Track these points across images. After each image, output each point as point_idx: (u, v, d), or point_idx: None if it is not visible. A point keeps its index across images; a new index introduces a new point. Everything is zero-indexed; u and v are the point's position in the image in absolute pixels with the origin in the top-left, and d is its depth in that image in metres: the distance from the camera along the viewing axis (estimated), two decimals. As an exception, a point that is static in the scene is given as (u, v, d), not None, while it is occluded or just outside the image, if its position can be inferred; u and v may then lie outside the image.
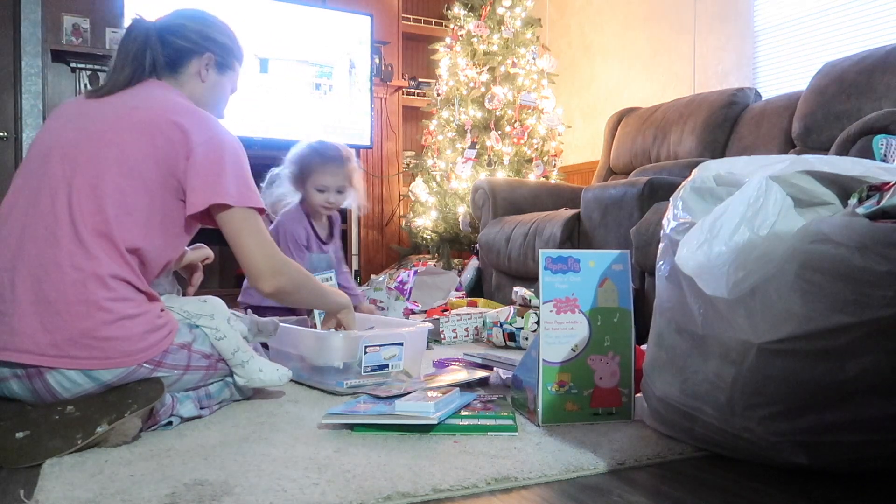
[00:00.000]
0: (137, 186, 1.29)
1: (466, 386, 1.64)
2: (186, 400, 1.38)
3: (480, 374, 1.72)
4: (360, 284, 4.33)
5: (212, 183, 1.33)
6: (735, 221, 1.09)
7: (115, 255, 1.26)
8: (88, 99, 1.40)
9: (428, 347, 2.12)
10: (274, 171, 2.30)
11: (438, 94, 4.56)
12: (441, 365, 1.89)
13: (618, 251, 1.41)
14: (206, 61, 1.48)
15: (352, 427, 1.31)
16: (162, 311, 1.34)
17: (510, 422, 1.31)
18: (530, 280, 3.02)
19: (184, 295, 1.62)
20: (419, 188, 4.51)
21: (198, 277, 1.71)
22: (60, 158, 1.29)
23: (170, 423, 1.33)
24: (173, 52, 1.45)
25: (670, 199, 1.30)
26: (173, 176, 1.33)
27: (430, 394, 1.36)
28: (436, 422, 1.26)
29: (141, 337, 1.26)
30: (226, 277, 4.33)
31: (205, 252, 1.73)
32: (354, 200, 2.31)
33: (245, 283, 3.14)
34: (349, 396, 1.59)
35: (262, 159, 4.01)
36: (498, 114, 4.34)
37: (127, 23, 1.47)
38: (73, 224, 1.24)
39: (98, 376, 1.23)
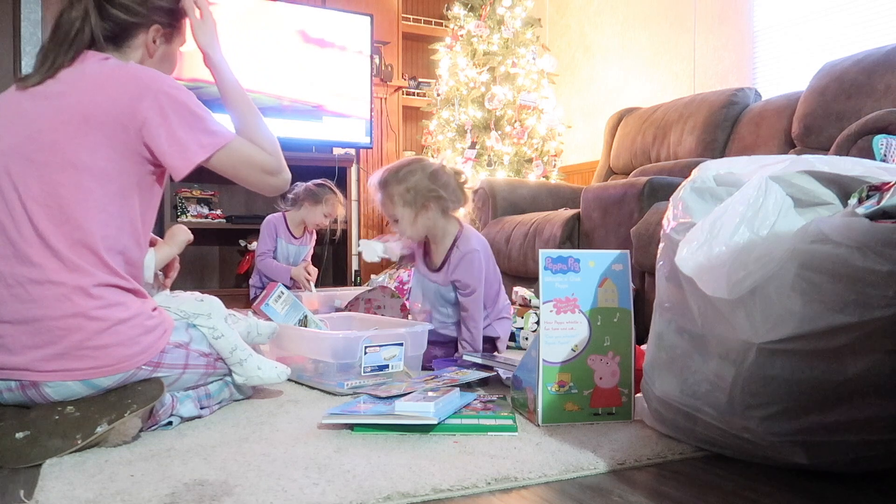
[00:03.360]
0: (101, 180, 1.22)
1: (466, 386, 1.63)
2: (186, 400, 1.38)
3: (480, 374, 1.72)
4: (359, 284, 4.33)
5: (182, 145, 1.25)
6: (735, 221, 1.09)
7: (96, 260, 1.21)
8: (19, 90, 1.25)
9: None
10: None
11: (438, 94, 4.56)
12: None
13: (618, 251, 1.41)
14: (153, 34, 1.34)
15: (352, 427, 1.31)
16: (154, 310, 1.32)
17: (510, 422, 1.31)
18: (530, 280, 3.02)
19: (160, 290, 1.58)
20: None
21: (174, 271, 1.65)
22: (5, 170, 1.20)
23: (170, 423, 1.33)
24: (115, 27, 1.30)
25: (670, 199, 1.30)
26: (136, 152, 1.25)
27: (430, 394, 1.36)
28: (436, 422, 1.26)
29: (136, 340, 1.24)
30: (225, 277, 4.33)
31: (186, 237, 1.65)
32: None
33: (251, 279, 3.18)
34: (349, 396, 1.59)
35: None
36: (498, 114, 4.33)
37: None
38: (42, 238, 1.18)
39: (97, 383, 1.22)
